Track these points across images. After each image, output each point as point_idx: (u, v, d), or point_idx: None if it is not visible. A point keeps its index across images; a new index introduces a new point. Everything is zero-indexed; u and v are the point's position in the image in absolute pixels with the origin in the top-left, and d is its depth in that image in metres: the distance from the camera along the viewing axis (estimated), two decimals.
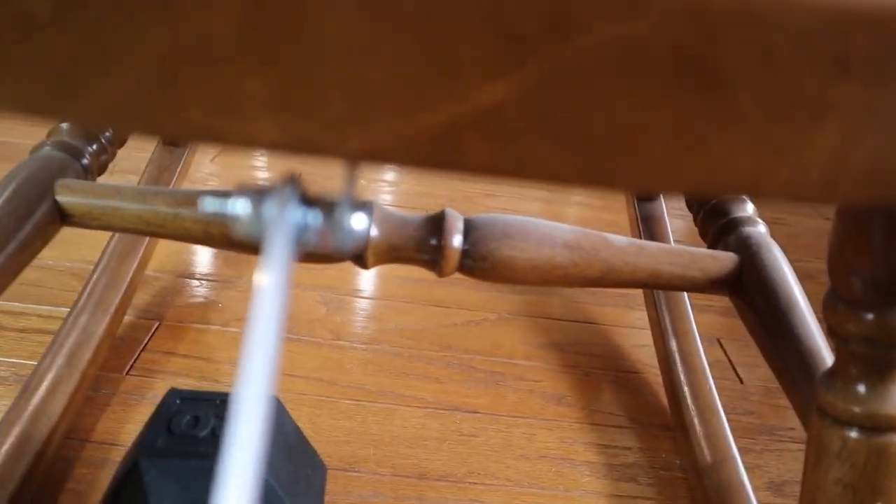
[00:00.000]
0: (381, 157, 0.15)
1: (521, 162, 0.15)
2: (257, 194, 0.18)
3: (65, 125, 0.47)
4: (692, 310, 0.72)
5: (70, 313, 0.58)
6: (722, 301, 0.88)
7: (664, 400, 0.68)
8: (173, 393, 0.43)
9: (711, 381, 0.65)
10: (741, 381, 0.73)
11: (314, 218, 0.18)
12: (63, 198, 0.41)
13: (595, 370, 0.72)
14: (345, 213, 0.18)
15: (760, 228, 0.48)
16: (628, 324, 0.81)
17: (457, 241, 0.43)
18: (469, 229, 0.44)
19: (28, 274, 0.72)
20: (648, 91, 0.15)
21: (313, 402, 0.62)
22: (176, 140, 0.70)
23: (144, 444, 0.39)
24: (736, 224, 0.49)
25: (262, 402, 0.17)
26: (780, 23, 0.14)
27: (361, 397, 0.64)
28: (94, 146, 0.47)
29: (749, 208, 0.50)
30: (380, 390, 0.65)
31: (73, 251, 0.76)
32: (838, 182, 0.17)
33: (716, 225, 0.50)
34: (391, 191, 1.15)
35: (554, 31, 0.14)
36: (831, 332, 0.32)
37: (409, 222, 0.44)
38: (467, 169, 0.15)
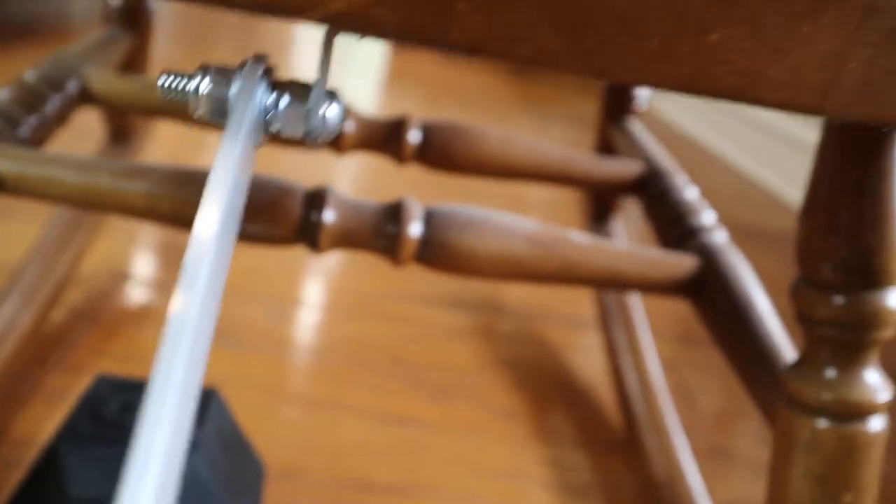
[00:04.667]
0: (364, 20, 0.13)
1: (512, 39, 0.14)
2: (222, 72, 0.16)
3: (3, 94, 0.44)
4: (649, 334, 0.71)
5: None
6: (678, 325, 0.88)
7: (616, 420, 0.67)
8: (101, 379, 0.40)
9: (667, 401, 0.64)
10: (696, 405, 0.73)
11: (283, 101, 0.16)
12: None
13: (547, 388, 0.70)
14: (320, 97, 0.16)
15: (721, 235, 0.48)
16: (582, 345, 0.80)
17: (415, 228, 0.42)
18: (428, 218, 0.42)
19: None
20: None
21: (256, 409, 0.59)
22: (124, 130, 0.67)
23: (66, 430, 0.35)
24: (696, 230, 0.48)
25: (191, 363, 0.14)
26: None
27: (306, 406, 0.61)
28: (34, 118, 0.44)
29: (711, 217, 0.50)
30: (325, 400, 0.62)
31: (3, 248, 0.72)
32: (832, 91, 0.16)
33: (676, 232, 0.50)
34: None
35: None
36: (800, 318, 0.31)
37: (366, 207, 0.42)
38: (456, 43, 0.14)
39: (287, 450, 0.55)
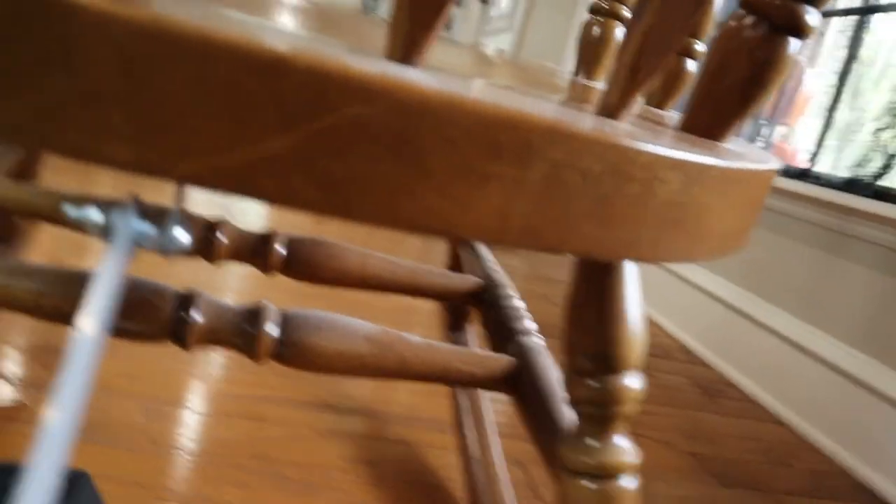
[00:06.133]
0: (202, 181, 0.21)
1: (291, 194, 0.22)
2: (107, 205, 0.23)
3: None
4: (497, 434, 0.79)
5: None
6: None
7: None
8: None
9: (510, 493, 0.71)
10: (543, 501, 0.80)
11: (149, 227, 0.23)
12: None
13: (404, 485, 0.76)
14: (173, 224, 0.23)
15: (535, 338, 0.57)
16: (440, 445, 0.86)
17: (271, 329, 0.48)
18: (284, 320, 0.49)
19: None
20: (374, 152, 0.22)
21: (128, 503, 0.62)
22: (8, 232, 0.71)
23: None
24: (515, 333, 0.57)
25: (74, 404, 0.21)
26: (456, 121, 0.23)
27: (174, 501, 0.64)
28: None
29: (529, 324, 0.59)
30: (196, 497, 0.65)
31: None
32: (507, 229, 0.25)
33: (502, 335, 0.59)
34: None
35: (314, 107, 0.22)
36: (571, 401, 0.40)
37: (229, 309, 0.49)
38: (258, 196, 0.22)
39: None
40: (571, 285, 0.40)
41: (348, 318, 0.52)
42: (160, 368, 0.87)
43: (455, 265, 0.78)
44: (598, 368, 0.39)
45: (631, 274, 0.39)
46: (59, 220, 0.59)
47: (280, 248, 0.62)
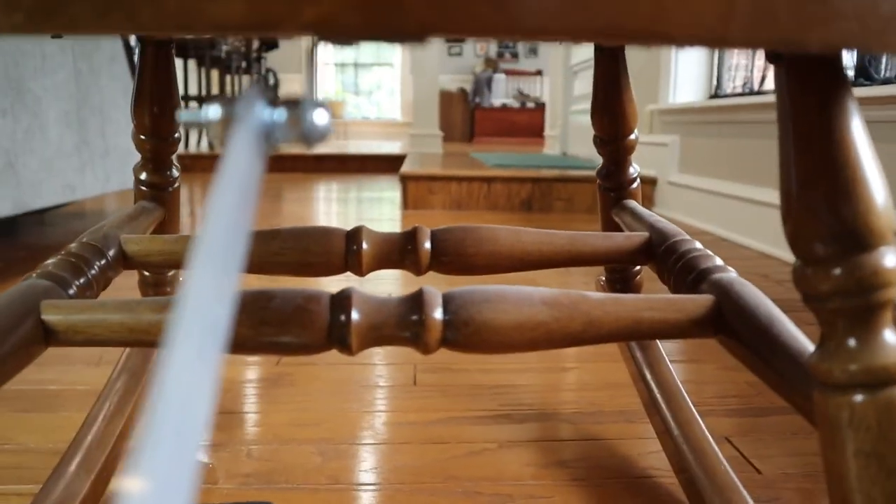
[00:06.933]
0: (333, 25, 0.17)
1: (452, 15, 0.17)
2: (228, 100, 0.20)
3: (52, 260, 0.48)
4: (695, 410, 0.70)
5: (52, 475, 0.56)
6: (725, 401, 0.87)
7: (682, 499, 0.65)
8: None
9: (728, 468, 0.63)
10: (759, 472, 0.70)
11: (280, 115, 0.19)
12: (48, 316, 0.42)
13: (606, 481, 0.69)
14: (308, 107, 0.19)
15: (731, 272, 0.49)
16: (632, 435, 0.78)
17: (437, 312, 0.44)
18: (448, 301, 0.45)
19: (6, 458, 0.70)
20: None
21: None
22: (158, 286, 0.72)
23: None
24: (706, 273, 0.50)
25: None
26: None
27: None
28: (82, 279, 0.49)
29: (717, 260, 0.52)
30: None
31: (57, 434, 0.74)
32: (729, 20, 0.19)
33: (688, 280, 0.51)
34: None
35: None
36: (808, 300, 0.33)
37: (387, 302, 0.45)
38: (409, 29, 0.17)
39: None
40: (781, 157, 0.33)
41: (516, 287, 0.46)
42: (326, 411, 0.85)
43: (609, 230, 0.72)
44: (842, 251, 0.31)
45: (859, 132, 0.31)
46: None
47: (427, 244, 0.58)
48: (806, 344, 0.38)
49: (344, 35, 0.17)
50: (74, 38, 1.54)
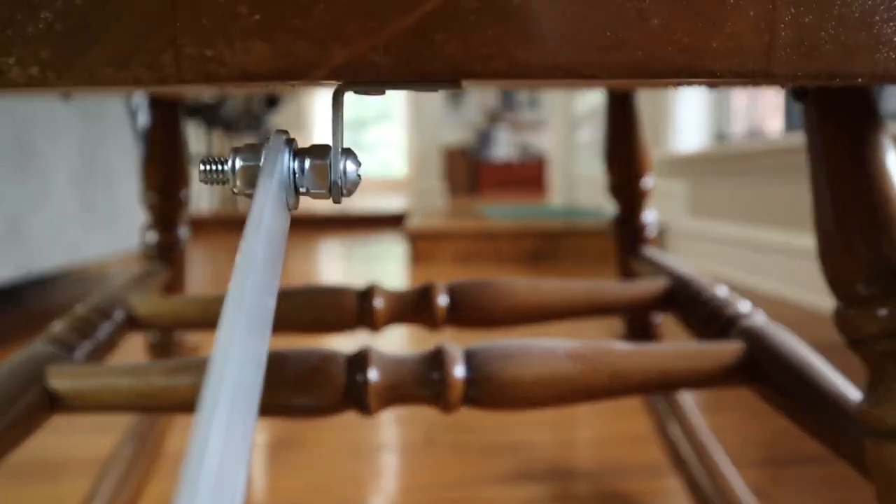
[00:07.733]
0: (362, 67, 0.16)
1: (486, 58, 0.16)
2: (252, 147, 0.18)
3: (58, 324, 0.47)
4: (729, 462, 0.68)
5: None
6: (754, 451, 0.84)
7: None
8: None
9: None
10: None
11: (306, 162, 0.18)
12: (53, 382, 0.40)
13: None
14: (337, 154, 0.18)
15: (760, 316, 0.48)
16: (662, 490, 0.75)
17: (459, 369, 0.42)
18: (469, 357, 0.43)
19: None
20: None
21: None
22: (167, 348, 0.70)
23: None
24: (735, 319, 0.48)
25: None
26: None
27: None
28: (88, 343, 0.47)
29: (746, 305, 0.50)
30: None
31: None
32: (772, 51, 0.18)
33: (715, 327, 0.50)
34: None
35: None
36: (853, 344, 0.31)
37: (406, 360, 0.43)
38: (440, 72, 0.16)
39: None
40: (815, 200, 0.32)
41: (538, 340, 0.45)
42: (338, 474, 0.82)
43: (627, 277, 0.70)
44: (886, 290, 0.29)
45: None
46: (213, 324, 0.56)
47: (443, 299, 0.56)
48: (849, 389, 0.36)
49: (375, 79, 0.16)
50: (89, 93, 1.56)
